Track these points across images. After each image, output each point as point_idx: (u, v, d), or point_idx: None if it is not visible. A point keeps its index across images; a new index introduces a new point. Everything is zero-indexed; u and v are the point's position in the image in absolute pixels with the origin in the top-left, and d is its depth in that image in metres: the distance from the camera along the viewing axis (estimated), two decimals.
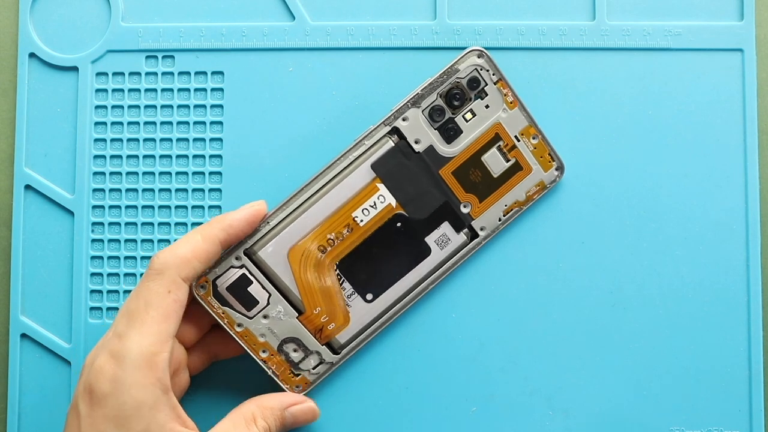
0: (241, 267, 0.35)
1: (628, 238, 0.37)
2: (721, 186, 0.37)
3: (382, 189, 0.35)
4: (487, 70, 0.35)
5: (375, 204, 0.35)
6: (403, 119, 0.35)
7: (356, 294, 0.36)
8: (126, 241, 0.38)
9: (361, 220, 0.35)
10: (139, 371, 0.30)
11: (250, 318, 0.35)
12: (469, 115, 0.35)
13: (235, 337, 0.35)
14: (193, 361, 0.36)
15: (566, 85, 0.38)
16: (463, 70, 0.35)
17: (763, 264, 0.37)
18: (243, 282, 0.35)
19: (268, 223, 0.35)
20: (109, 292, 0.38)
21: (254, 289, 0.35)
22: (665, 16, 0.38)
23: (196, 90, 0.38)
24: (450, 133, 0.35)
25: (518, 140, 0.36)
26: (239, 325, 0.35)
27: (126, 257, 0.38)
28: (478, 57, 0.35)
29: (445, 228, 0.36)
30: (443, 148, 0.35)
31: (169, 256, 0.32)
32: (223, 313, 0.35)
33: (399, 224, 0.36)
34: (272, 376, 0.36)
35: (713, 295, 0.37)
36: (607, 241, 0.37)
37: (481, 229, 0.37)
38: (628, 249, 0.37)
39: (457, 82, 0.35)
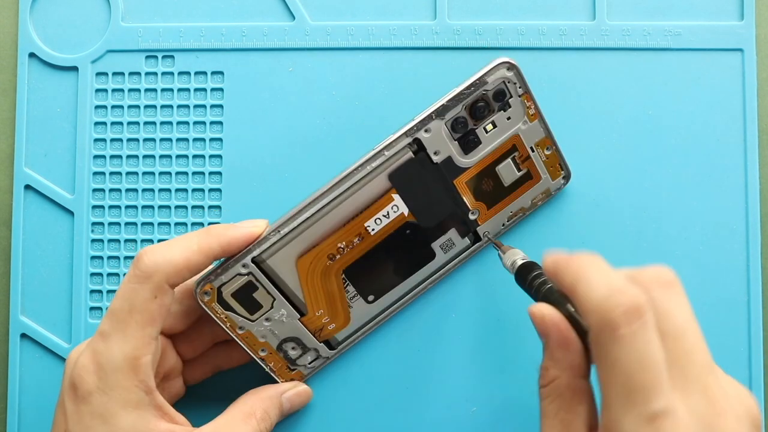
0: (247, 274, 0.34)
1: (627, 238, 0.37)
2: (721, 186, 0.37)
3: (397, 199, 0.35)
4: (515, 83, 0.34)
5: (388, 213, 0.35)
6: (426, 131, 0.34)
7: (359, 296, 0.36)
8: (126, 241, 0.38)
9: (373, 229, 0.35)
10: (121, 374, 0.30)
11: (253, 321, 0.35)
12: (489, 127, 0.35)
13: (236, 339, 0.35)
14: (195, 373, 0.36)
15: (566, 85, 0.38)
16: (491, 83, 0.34)
17: (763, 264, 0.37)
18: (248, 288, 0.34)
19: (279, 231, 0.34)
20: (109, 292, 0.38)
21: (259, 294, 0.35)
22: (665, 16, 0.38)
23: (196, 90, 0.38)
24: (469, 144, 0.35)
25: (533, 151, 0.36)
26: (241, 328, 0.35)
27: (126, 257, 0.38)
28: (508, 70, 0.34)
29: (452, 234, 0.36)
30: (460, 159, 0.35)
31: (161, 259, 0.31)
32: (226, 318, 0.35)
33: (408, 231, 0.35)
34: (269, 372, 0.36)
35: (713, 295, 0.37)
36: (607, 241, 0.37)
37: (485, 234, 0.37)
38: (628, 249, 0.37)
39: (484, 94, 0.34)
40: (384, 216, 0.35)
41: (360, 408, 0.37)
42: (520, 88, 0.34)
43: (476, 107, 0.34)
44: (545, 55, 0.38)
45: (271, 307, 0.35)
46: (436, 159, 0.35)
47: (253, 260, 0.34)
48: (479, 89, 0.34)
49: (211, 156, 0.38)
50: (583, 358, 0.27)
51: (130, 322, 0.31)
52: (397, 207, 0.35)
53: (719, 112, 0.38)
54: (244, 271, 0.34)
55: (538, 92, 0.37)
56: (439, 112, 0.34)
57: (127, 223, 0.38)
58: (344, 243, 0.35)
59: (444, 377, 0.37)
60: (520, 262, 0.33)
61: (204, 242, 0.32)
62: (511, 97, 0.34)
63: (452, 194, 0.35)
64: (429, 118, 0.34)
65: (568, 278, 0.26)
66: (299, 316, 0.36)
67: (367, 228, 0.35)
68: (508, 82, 0.34)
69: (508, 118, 0.35)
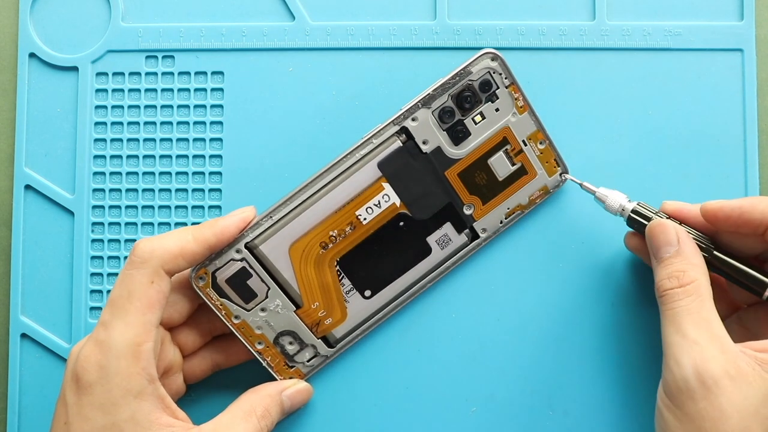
0: (241, 260, 0.35)
1: None
2: (721, 186, 0.37)
3: (387, 188, 0.35)
4: (500, 74, 0.35)
5: (379, 203, 0.35)
6: (413, 119, 0.35)
7: (355, 290, 0.36)
8: (126, 241, 0.38)
9: (365, 219, 0.35)
10: (124, 360, 0.31)
11: (248, 311, 0.35)
12: (478, 118, 0.35)
13: (231, 328, 0.35)
14: (194, 369, 0.36)
15: (566, 85, 0.38)
16: (475, 73, 0.35)
17: None
18: (242, 275, 0.35)
19: (271, 217, 0.35)
20: (108, 292, 0.38)
21: (253, 282, 0.35)
22: (665, 16, 0.38)
23: (196, 90, 0.38)
24: (458, 135, 0.35)
25: (525, 144, 0.36)
26: (236, 317, 0.35)
27: (126, 257, 0.38)
28: (492, 60, 0.34)
29: (447, 228, 0.36)
30: (450, 150, 0.35)
31: (157, 245, 0.32)
32: (221, 305, 0.35)
33: (402, 223, 0.36)
34: (267, 367, 0.36)
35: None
36: (606, 241, 0.37)
37: (483, 231, 0.37)
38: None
39: (469, 84, 0.35)
40: (375, 205, 0.35)
41: (360, 408, 0.37)
42: (506, 79, 0.35)
43: (463, 97, 0.35)
44: (545, 55, 0.38)
45: (266, 297, 0.35)
46: (425, 149, 0.35)
47: (247, 246, 0.35)
48: (464, 79, 0.35)
49: (211, 156, 0.38)
50: None
51: (129, 308, 0.31)
52: (389, 197, 0.35)
53: (719, 112, 0.38)
54: (237, 256, 0.35)
55: (538, 92, 0.37)
56: (426, 101, 0.35)
57: (127, 223, 0.38)
58: (336, 231, 0.35)
59: (444, 377, 0.37)
60: (629, 205, 0.34)
61: (198, 232, 0.33)
62: (498, 88, 0.35)
63: (444, 186, 0.36)
64: (415, 107, 0.35)
65: (759, 210, 0.31)
66: (295, 308, 0.36)
67: (359, 217, 0.35)
68: (494, 73, 0.35)
69: (497, 110, 0.35)
